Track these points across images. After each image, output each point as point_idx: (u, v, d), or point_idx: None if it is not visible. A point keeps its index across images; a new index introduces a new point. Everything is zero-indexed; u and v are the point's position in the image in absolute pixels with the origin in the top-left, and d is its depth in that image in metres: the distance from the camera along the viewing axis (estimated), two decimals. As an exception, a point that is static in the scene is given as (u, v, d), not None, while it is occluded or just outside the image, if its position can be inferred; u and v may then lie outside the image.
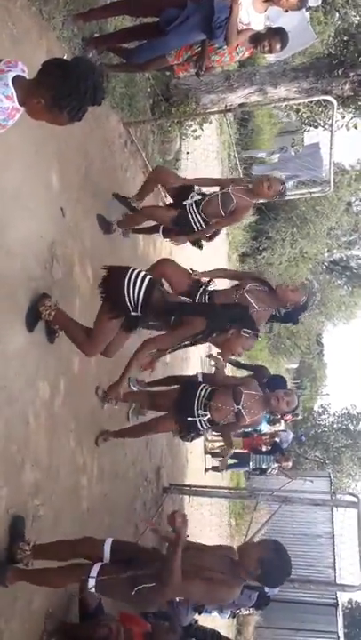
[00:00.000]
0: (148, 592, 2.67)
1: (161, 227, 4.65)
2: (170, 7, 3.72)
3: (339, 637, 10.08)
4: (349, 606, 21.38)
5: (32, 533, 2.96)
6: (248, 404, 3.85)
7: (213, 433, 5.85)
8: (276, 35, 4.17)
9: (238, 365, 5.47)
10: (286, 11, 4.05)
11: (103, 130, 4.61)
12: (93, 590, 2.71)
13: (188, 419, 3.87)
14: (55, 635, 3.03)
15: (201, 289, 4.19)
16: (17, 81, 1.81)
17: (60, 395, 3.45)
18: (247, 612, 6.40)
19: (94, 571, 2.70)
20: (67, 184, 3.76)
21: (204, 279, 4.30)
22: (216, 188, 4.41)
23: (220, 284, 4.52)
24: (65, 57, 3.25)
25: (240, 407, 3.82)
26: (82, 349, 3.37)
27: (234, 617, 6.13)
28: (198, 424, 3.88)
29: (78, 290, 3.85)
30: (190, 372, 5.72)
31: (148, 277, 3.21)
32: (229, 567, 2.79)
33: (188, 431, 3.99)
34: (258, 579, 2.76)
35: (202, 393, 3.92)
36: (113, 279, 3.22)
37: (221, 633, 4.92)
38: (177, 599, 4.68)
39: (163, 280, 3.67)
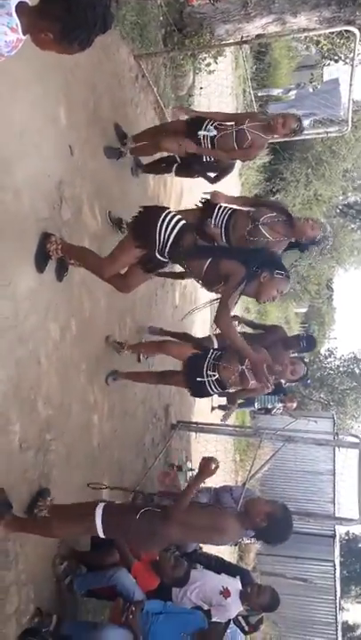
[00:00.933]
0: (153, 517, 2.72)
1: (174, 166, 4.53)
2: None
3: (335, 565, 10.70)
4: (346, 538, 22.49)
5: (45, 466, 3.12)
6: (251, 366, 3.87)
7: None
8: None
9: (253, 325, 5.41)
10: None
11: (113, 62, 4.42)
12: (101, 531, 2.71)
13: (198, 379, 3.91)
14: (67, 559, 3.24)
15: (219, 207, 4.12)
16: (19, 8, 1.70)
17: (71, 336, 3.51)
18: (248, 542, 6.76)
19: (99, 509, 2.73)
20: (75, 120, 3.65)
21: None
22: (231, 123, 4.26)
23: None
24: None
25: (244, 367, 3.83)
26: (96, 271, 3.40)
27: (236, 545, 6.50)
28: (207, 385, 3.92)
29: (87, 230, 3.83)
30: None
31: (183, 222, 3.18)
32: (235, 515, 2.94)
33: (198, 392, 4.06)
34: (260, 531, 2.86)
35: (212, 356, 3.91)
36: (146, 216, 3.21)
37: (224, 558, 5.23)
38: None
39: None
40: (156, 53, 5.13)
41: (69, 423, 3.43)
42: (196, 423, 6.28)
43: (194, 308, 4.99)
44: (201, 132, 4.12)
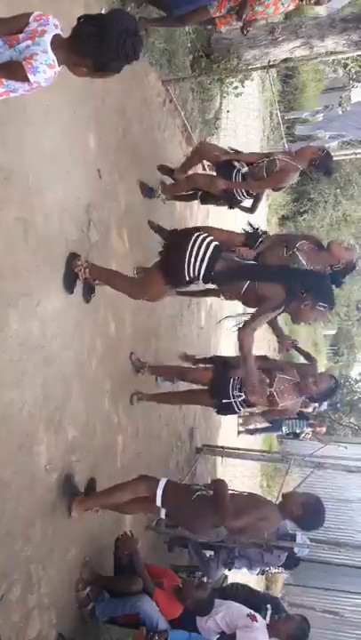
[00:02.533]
0: (206, 501, 3.14)
1: (199, 193, 4.59)
2: None
3: (367, 599, 10.24)
4: (379, 570, 21.60)
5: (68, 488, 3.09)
6: (281, 389, 3.81)
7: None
8: None
9: (295, 348, 5.29)
10: None
11: (142, 88, 4.51)
12: (159, 502, 3.13)
13: (224, 400, 3.86)
14: (90, 584, 3.19)
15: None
16: (55, 41, 1.78)
17: (96, 356, 3.52)
18: (276, 571, 6.56)
19: (162, 483, 3.15)
20: (104, 145, 3.72)
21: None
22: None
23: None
24: (102, 11, 3.17)
25: (272, 390, 3.78)
26: (127, 293, 3.38)
27: (263, 574, 6.29)
28: (234, 405, 3.87)
29: (115, 252, 3.86)
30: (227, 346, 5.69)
31: (214, 245, 3.02)
32: (272, 505, 3.41)
33: (224, 411, 4.01)
34: (297, 518, 3.34)
35: (236, 377, 3.86)
36: (175, 246, 3.09)
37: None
38: (207, 555, 4.85)
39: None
40: (183, 78, 5.22)
41: (94, 444, 3.42)
42: (221, 447, 6.18)
43: (229, 315, 4.92)
44: (236, 164, 4.18)
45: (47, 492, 2.90)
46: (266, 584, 9.74)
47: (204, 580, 4.74)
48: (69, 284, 3.15)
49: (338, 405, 14.67)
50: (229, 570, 5.11)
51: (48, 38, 1.77)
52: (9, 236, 2.65)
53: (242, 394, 3.81)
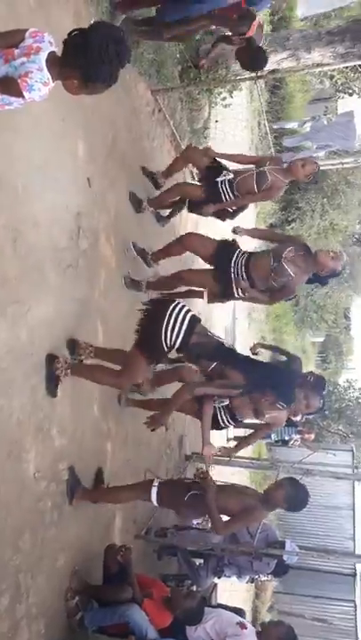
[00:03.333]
0: (197, 499, 3.50)
1: (187, 201, 4.63)
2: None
3: (356, 606, 10.26)
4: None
5: (57, 496, 3.08)
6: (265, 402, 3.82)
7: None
8: None
9: (272, 349, 5.33)
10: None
11: (131, 98, 4.55)
12: (155, 501, 3.52)
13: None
14: (79, 593, 3.17)
15: (237, 252, 4.12)
16: (49, 58, 1.83)
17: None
18: (265, 579, 6.55)
19: (155, 484, 3.52)
20: (93, 154, 3.74)
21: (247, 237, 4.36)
22: (251, 166, 4.37)
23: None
24: (92, 21, 3.20)
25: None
26: (114, 386, 3.48)
27: (252, 582, 6.28)
28: (217, 412, 3.89)
29: (104, 260, 3.88)
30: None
31: (190, 316, 3.09)
32: (260, 497, 3.60)
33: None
34: (286, 509, 3.61)
35: None
36: (152, 316, 3.13)
37: (240, 596, 5.06)
38: (197, 563, 4.84)
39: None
40: (172, 88, 5.28)
41: (82, 452, 3.41)
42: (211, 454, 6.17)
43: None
44: (219, 179, 4.22)
45: (36, 500, 2.88)
46: (255, 592, 9.72)
47: (194, 588, 4.73)
48: (52, 388, 3.03)
49: (326, 412, 14.73)
50: (219, 578, 5.11)
51: (43, 56, 1.82)
52: (-2, 244, 2.65)
53: (225, 400, 3.84)
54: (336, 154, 7.75)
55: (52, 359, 3.03)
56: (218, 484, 3.66)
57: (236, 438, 8.89)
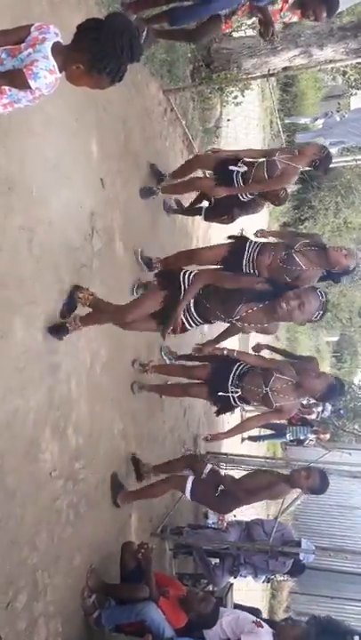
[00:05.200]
0: (227, 497, 3.90)
1: (203, 210, 4.62)
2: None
3: (374, 607, 10.15)
4: (385, 577, 21.39)
5: (74, 494, 3.10)
6: (277, 388, 3.74)
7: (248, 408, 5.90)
8: (323, 3, 3.96)
9: (286, 354, 5.31)
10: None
11: (143, 98, 4.56)
12: (189, 496, 3.95)
13: (220, 394, 3.88)
14: (96, 592, 3.18)
15: (247, 245, 4.07)
16: (55, 48, 1.79)
17: (101, 363, 3.54)
18: (281, 578, 6.52)
19: (189, 481, 3.89)
20: (106, 154, 3.76)
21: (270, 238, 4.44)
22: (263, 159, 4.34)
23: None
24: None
25: (268, 389, 3.77)
26: (115, 319, 3.41)
27: (268, 582, 6.25)
28: (231, 400, 3.89)
29: (117, 261, 3.89)
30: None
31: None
32: (284, 477, 4.06)
33: (220, 405, 4.03)
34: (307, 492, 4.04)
35: (237, 371, 3.90)
36: (170, 271, 3.55)
37: (256, 596, 5.03)
38: (213, 562, 4.83)
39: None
40: (184, 88, 5.27)
41: (98, 451, 3.42)
42: (225, 454, 6.17)
43: None
44: (233, 167, 4.19)
45: (53, 499, 2.90)
46: (272, 592, 9.68)
47: (210, 587, 4.72)
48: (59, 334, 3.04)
49: (341, 412, 14.63)
50: (235, 577, 5.09)
51: (49, 45, 1.78)
52: (13, 245, 2.67)
53: (238, 390, 3.84)
54: (349, 151, 7.68)
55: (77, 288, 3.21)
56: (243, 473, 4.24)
57: (250, 438, 8.87)
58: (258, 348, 4.68)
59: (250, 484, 4.03)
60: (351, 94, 9.24)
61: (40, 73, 1.75)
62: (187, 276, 3.42)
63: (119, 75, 1.83)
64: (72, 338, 3.17)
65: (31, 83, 1.75)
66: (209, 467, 4.08)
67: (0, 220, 2.58)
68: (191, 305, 3.50)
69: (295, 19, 4.33)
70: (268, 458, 6.56)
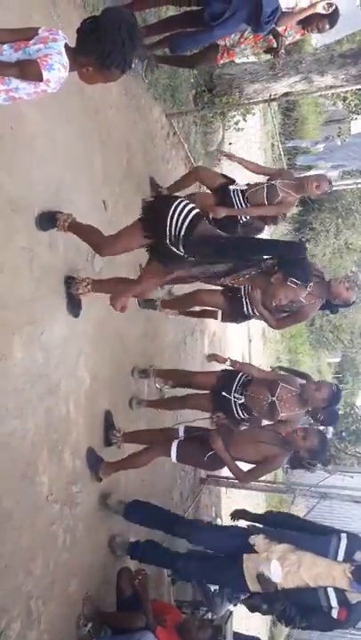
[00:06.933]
0: (216, 458, 3.45)
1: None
2: (215, 0, 3.68)
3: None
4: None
5: (70, 519, 3.05)
6: (284, 398, 3.79)
7: None
8: (325, 16, 4.09)
9: (283, 369, 5.34)
10: (335, -4, 3.95)
11: (146, 122, 4.62)
12: (175, 460, 3.60)
13: (223, 394, 3.87)
14: (91, 620, 3.11)
15: None
16: (65, 48, 1.84)
17: (100, 384, 3.51)
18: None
19: (174, 445, 3.51)
20: (109, 176, 3.79)
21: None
22: (263, 178, 4.39)
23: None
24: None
25: (275, 399, 3.78)
26: (96, 247, 3.18)
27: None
28: (232, 405, 3.86)
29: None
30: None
31: (195, 211, 2.93)
32: (280, 440, 3.56)
33: (221, 408, 3.95)
34: (308, 452, 3.51)
35: (241, 379, 3.93)
36: (158, 206, 3.00)
37: (256, 624, 4.91)
38: (212, 589, 4.72)
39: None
40: (187, 112, 5.35)
41: (99, 482, 3.37)
42: (226, 478, 6.08)
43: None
44: (232, 187, 4.23)
45: (49, 523, 2.85)
46: (272, 620, 9.44)
47: (209, 615, 4.61)
48: (74, 307, 3.13)
49: (343, 434, 14.50)
50: (235, 605, 4.97)
51: (61, 44, 1.83)
52: (14, 266, 2.68)
53: (242, 397, 3.82)
54: (350, 174, 7.76)
55: (70, 279, 3.11)
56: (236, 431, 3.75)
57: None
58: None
59: (244, 451, 3.55)
60: (352, 119, 9.37)
61: (55, 65, 1.78)
62: (177, 212, 2.89)
63: (128, 65, 1.89)
64: (71, 359, 3.15)
65: (45, 73, 1.77)
66: (182, 428, 3.70)
67: (2, 241, 2.59)
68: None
69: (298, 36, 4.44)
70: (269, 482, 6.48)
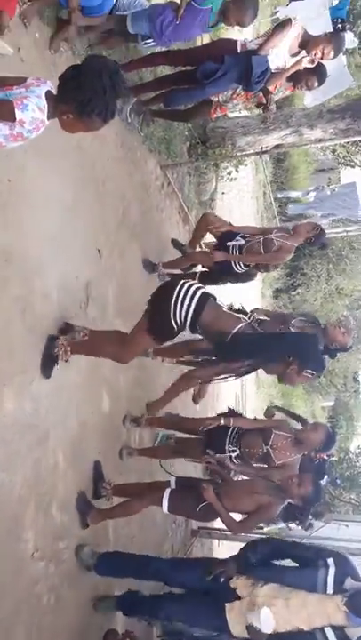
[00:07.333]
0: (209, 508, 3.31)
1: (197, 274, 4.76)
2: (208, 60, 3.85)
3: None
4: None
5: (55, 576, 2.92)
6: (278, 445, 3.75)
7: None
8: (313, 74, 4.28)
9: (278, 408, 5.30)
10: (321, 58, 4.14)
11: (141, 173, 4.74)
12: (166, 511, 3.43)
13: (218, 455, 3.78)
14: None
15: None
16: (47, 94, 1.84)
17: (90, 434, 3.45)
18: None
19: (166, 494, 3.37)
20: (104, 226, 3.85)
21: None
22: (259, 235, 4.54)
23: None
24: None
25: (268, 448, 3.72)
26: (115, 359, 3.22)
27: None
28: (228, 460, 3.80)
29: (111, 328, 3.88)
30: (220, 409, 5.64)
31: (201, 292, 2.89)
32: (275, 488, 3.43)
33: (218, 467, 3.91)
34: (302, 500, 3.41)
35: (232, 434, 3.89)
36: (160, 296, 2.97)
37: None
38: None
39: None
40: (181, 164, 5.51)
41: (85, 530, 3.26)
42: (218, 529, 5.91)
43: None
44: (230, 243, 4.38)
45: (33, 583, 2.74)
46: None
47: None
48: (48, 367, 2.95)
49: (338, 481, 14.25)
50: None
51: (43, 89, 1.82)
52: (7, 315, 2.68)
53: (236, 448, 3.76)
54: (340, 222, 7.94)
55: (54, 339, 2.97)
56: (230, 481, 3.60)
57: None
58: (268, 412, 4.64)
59: (237, 502, 3.40)
60: (341, 169, 9.67)
61: (30, 106, 1.76)
62: (185, 286, 2.89)
63: (109, 113, 1.84)
64: (60, 408, 3.11)
65: (18, 113, 1.74)
66: (174, 479, 3.53)
67: (-5, 291, 2.60)
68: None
69: (288, 92, 4.64)
70: (262, 533, 6.30)
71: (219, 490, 3.36)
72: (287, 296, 13.08)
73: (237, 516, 3.46)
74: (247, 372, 3.13)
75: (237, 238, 4.49)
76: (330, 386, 18.28)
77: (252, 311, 4.65)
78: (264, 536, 4.97)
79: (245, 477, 3.81)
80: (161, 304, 2.91)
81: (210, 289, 5.78)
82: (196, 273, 4.86)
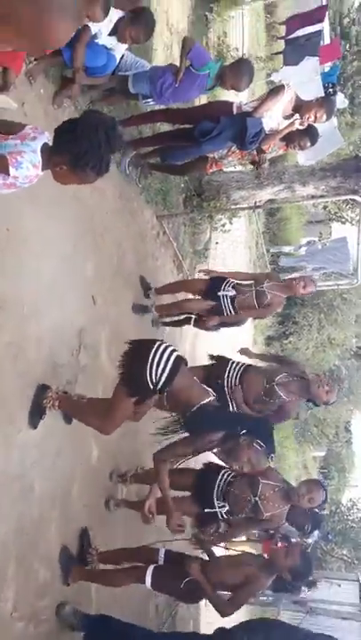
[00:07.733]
0: (194, 585, 3.20)
1: (193, 319, 4.78)
2: (205, 119, 4.01)
3: None
4: None
5: (34, 638, 2.77)
6: (266, 496, 3.61)
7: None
8: (305, 134, 4.45)
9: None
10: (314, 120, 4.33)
11: (138, 223, 4.84)
12: (149, 587, 3.31)
13: (206, 510, 3.67)
14: None
15: (230, 364, 4.17)
16: (43, 147, 1.86)
17: (76, 486, 3.36)
18: None
19: (149, 571, 3.26)
20: (100, 273, 3.89)
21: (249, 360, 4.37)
22: (250, 283, 4.60)
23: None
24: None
25: (257, 499, 3.61)
26: (99, 431, 3.21)
27: None
28: (218, 515, 3.69)
29: (103, 375, 3.86)
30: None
31: (175, 355, 2.95)
32: (261, 562, 3.39)
33: (208, 524, 3.78)
34: (291, 572, 3.27)
35: (221, 480, 3.74)
36: (136, 355, 3.00)
37: None
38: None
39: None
40: (176, 214, 5.64)
41: (66, 589, 3.12)
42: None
43: None
44: (220, 293, 4.42)
45: (10, 645, 2.60)
46: None
47: None
48: (35, 418, 2.94)
49: (329, 536, 13.88)
50: None
51: (39, 143, 1.84)
52: (-2, 362, 2.66)
53: (225, 504, 3.63)
54: (331, 275, 8.09)
55: (44, 388, 2.98)
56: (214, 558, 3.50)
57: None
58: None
59: (224, 575, 3.28)
60: (332, 224, 9.93)
61: (24, 164, 1.78)
62: (161, 347, 2.96)
63: (103, 167, 1.85)
64: (47, 459, 3.04)
65: (12, 170, 1.76)
66: (163, 550, 3.42)
67: (-13, 337, 2.59)
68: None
69: (281, 151, 4.81)
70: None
71: (204, 566, 3.27)
72: (279, 344, 13.12)
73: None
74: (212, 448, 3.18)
75: (228, 288, 4.52)
76: (321, 436, 18.12)
77: (239, 351, 4.65)
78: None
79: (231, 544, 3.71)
80: (135, 365, 2.94)
81: (203, 335, 5.84)
82: (190, 319, 4.88)
